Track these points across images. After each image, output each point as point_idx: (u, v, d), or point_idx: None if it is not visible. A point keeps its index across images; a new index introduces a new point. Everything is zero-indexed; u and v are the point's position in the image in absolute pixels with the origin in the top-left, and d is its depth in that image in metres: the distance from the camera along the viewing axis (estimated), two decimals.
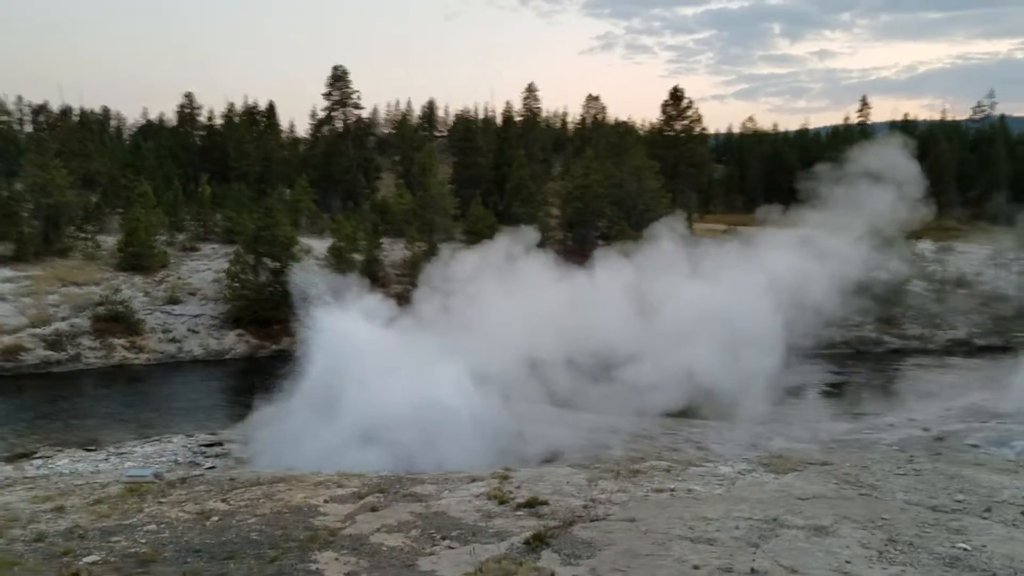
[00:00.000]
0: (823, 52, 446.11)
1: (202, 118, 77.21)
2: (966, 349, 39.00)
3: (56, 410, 27.76)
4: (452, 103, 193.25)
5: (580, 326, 22.20)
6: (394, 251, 45.31)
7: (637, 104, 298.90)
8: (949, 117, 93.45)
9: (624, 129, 69.29)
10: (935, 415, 23.85)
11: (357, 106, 68.72)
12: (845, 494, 13.04)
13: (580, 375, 22.22)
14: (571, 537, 10.99)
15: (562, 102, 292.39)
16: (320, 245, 42.38)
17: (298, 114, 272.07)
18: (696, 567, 9.87)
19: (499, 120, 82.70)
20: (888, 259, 31.67)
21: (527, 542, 10.80)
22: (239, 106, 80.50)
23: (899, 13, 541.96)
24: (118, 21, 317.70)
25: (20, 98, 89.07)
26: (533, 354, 21.37)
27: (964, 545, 10.47)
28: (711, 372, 21.77)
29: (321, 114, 69.89)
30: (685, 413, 22.73)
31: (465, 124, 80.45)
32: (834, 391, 29.38)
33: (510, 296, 22.36)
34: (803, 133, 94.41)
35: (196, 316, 38.28)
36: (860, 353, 38.60)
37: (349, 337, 19.32)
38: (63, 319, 35.44)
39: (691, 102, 65.97)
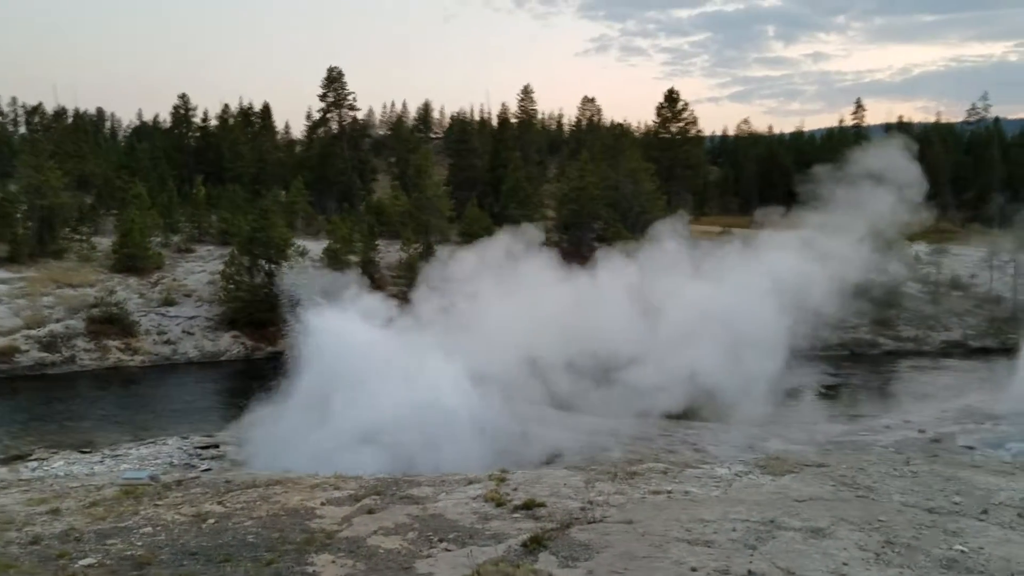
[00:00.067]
0: (817, 54, 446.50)
1: (197, 119, 77.14)
2: (961, 351, 39.13)
3: (51, 412, 27.69)
4: (448, 105, 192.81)
5: (581, 327, 22.13)
6: (390, 253, 45.27)
7: (632, 106, 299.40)
8: (943, 119, 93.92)
9: (620, 131, 69.36)
10: (931, 417, 23.91)
11: (352, 107, 68.68)
12: (842, 496, 13.04)
13: (580, 376, 22.18)
14: (568, 539, 10.96)
15: (557, 104, 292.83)
16: (315, 247, 42.31)
17: (293, 115, 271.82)
18: (694, 569, 9.85)
19: (495, 122, 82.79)
20: (888, 261, 31.73)
21: (524, 544, 10.77)
22: (234, 107, 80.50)
23: (893, 16, 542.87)
24: (113, 22, 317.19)
25: (14, 99, 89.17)
26: (533, 355, 21.29)
27: (961, 547, 10.47)
28: (713, 374, 21.76)
29: (316, 115, 69.89)
30: (684, 415, 22.74)
31: (461, 126, 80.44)
32: (830, 393, 29.45)
33: (511, 296, 22.27)
34: (798, 135, 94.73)
35: (191, 318, 38.20)
36: (855, 355, 38.70)
37: (345, 338, 19.26)
38: (58, 321, 35.34)
39: (686, 104, 66.33)
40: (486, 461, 16.92)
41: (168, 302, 38.73)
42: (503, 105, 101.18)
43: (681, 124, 66.43)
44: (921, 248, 44.87)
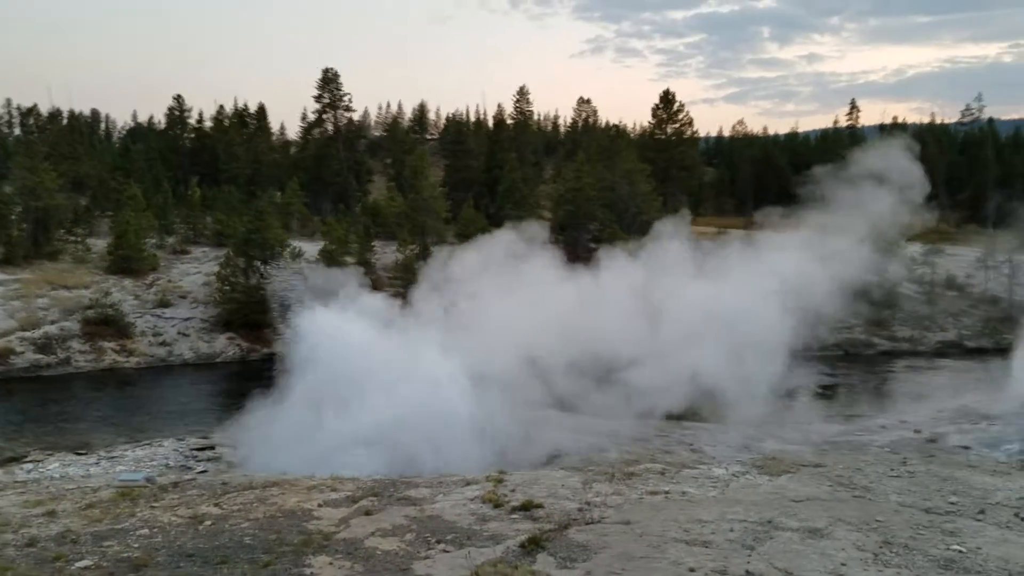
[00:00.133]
0: (812, 56, 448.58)
1: (192, 120, 77.00)
2: (956, 351, 39.20)
3: (46, 414, 27.59)
4: (443, 106, 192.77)
5: (583, 326, 22.02)
6: (386, 254, 45.25)
7: (627, 107, 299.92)
8: (938, 120, 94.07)
9: (616, 132, 69.42)
10: (926, 417, 23.91)
11: (348, 108, 68.55)
12: (839, 496, 13.06)
13: (582, 377, 22.10)
14: (566, 540, 10.97)
15: (553, 105, 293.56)
16: (311, 248, 42.26)
17: (288, 117, 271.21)
18: (692, 570, 9.86)
19: (491, 123, 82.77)
20: (888, 262, 31.71)
21: (522, 545, 10.77)
22: (229, 108, 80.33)
23: (887, 17, 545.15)
24: (107, 24, 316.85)
25: (9, 101, 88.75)
26: (533, 354, 21.17)
27: (959, 547, 10.49)
28: (715, 375, 21.72)
29: (312, 116, 69.75)
30: (681, 416, 22.70)
31: (457, 127, 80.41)
32: (825, 393, 29.43)
33: (512, 295, 22.13)
34: (793, 136, 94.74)
35: (186, 319, 38.12)
36: (850, 355, 38.75)
37: (343, 338, 19.16)
38: (53, 322, 35.25)
39: (682, 105, 66.31)
40: (485, 462, 16.89)
41: (163, 304, 38.63)
42: (499, 106, 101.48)
43: (677, 125, 66.41)
44: (916, 248, 44.94)
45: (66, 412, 27.97)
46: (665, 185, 59.70)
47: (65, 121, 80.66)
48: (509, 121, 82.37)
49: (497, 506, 12.62)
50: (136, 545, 11.15)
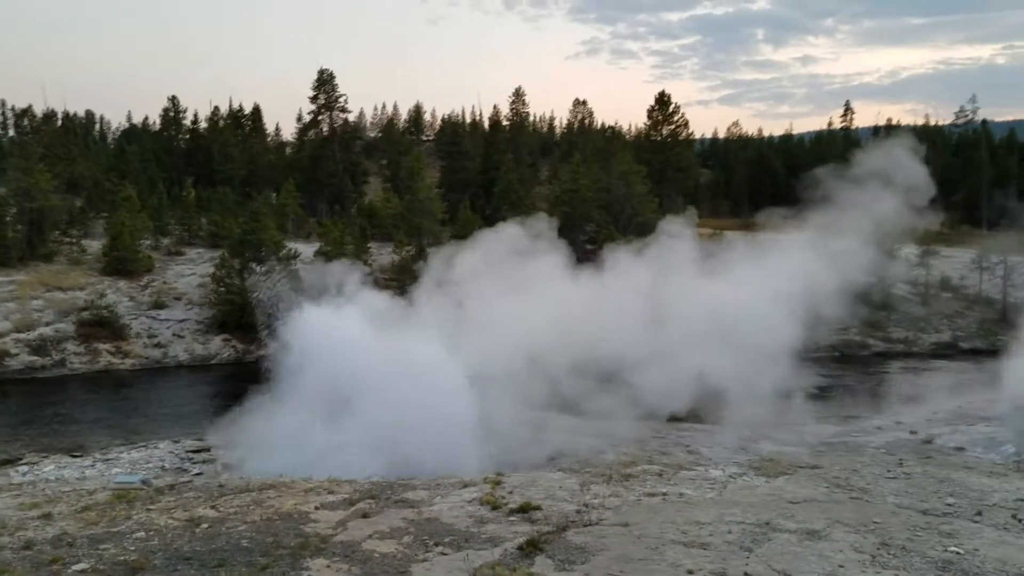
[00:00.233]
0: (806, 58, 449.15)
1: (187, 121, 76.91)
2: (951, 352, 39.32)
3: (41, 416, 27.52)
4: (439, 107, 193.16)
5: (586, 326, 21.92)
6: (382, 255, 45.22)
7: (623, 109, 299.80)
8: (932, 122, 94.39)
9: (611, 134, 69.51)
10: (922, 418, 23.98)
11: (343, 110, 68.66)
12: (836, 498, 13.07)
13: (583, 377, 22.02)
14: (565, 542, 10.95)
15: (549, 106, 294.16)
16: (307, 249, 42.21)
17: (284, 118, 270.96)
18: (690, 572, 9.85)
19: (486, 124, 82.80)
20: (889, 264, 31.70)
21: (521, 548, 10.75)
22: (224, 109, 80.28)
23: (882, 19, 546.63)
24: (102, 25, 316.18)
25: (3, 102, 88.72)
26: (535, 354, 21.06)
27: (956, 549, 10.50)
28: (720, 377, 21.70)
29: (307, 117, 69.75)
30: (683, 417, 22.68)
31: (452, 128, 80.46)
32: (820, 394, 29.46)
33: (515, 292, 22.00)
34: (787, 138, 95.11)
35: (181, 321, 38.06)
36: (845, 356, 38.84)
37: (340, 337, 19.07)
38: (48, 324, 35.17)
39: (677, 107, 66.53)
40: (483, 463, 16.85)
41: (158, 305, 38.58)
42: (495, 107, 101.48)
43: (672, 127, 66.65)
44: (911, 250, 45.07)
45: (61, 414, 27.90)
46: (661, 186, 59.83)
47: (60, 122, 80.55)
48: (505, 122, 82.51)
49: (495, 508, 12.60)
50: (132, 548, 11.10)
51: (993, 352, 33.93)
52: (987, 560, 10.16)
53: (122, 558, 10.71)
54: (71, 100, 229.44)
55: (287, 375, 18.99)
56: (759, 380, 21.96)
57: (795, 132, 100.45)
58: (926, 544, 10.72)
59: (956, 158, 72.78)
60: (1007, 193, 51.64)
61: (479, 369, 19.49)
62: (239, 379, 30.55)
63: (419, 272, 26.88)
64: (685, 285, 23.47)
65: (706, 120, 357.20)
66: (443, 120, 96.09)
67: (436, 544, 11.08)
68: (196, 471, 18.78)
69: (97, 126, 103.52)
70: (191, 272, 42.69)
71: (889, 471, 14.96)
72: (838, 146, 72.69)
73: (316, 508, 12.88)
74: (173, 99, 75.58)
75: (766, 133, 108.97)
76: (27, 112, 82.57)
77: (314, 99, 67.21)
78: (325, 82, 66.90)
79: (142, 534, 11.71)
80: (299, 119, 72.88)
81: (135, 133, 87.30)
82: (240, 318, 37.07)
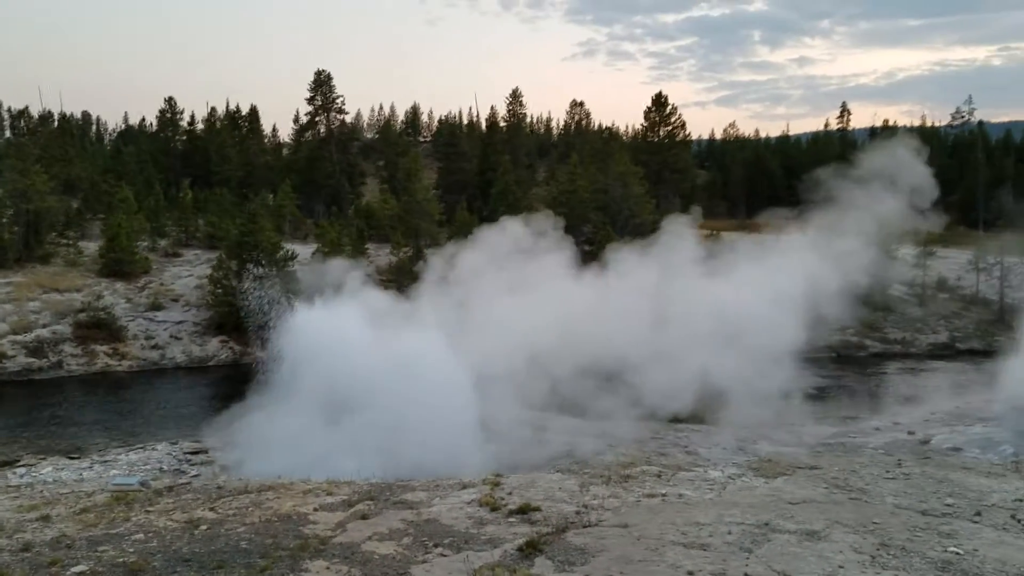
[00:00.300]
0: (803, 59, 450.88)
1: (183, 123, 76.86)
2: (948, 353, 39.37)
3: (39, 418, 27.47)
4: (436, 108, 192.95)
5: (589, 327, 21.87)
6: (379, 256, 45.19)
7: (620, 110, 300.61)
8: (928, 123, 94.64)
9: (609, 135, 69.58)
10: (920, 419, 24.01)
11: (341, 111, 68.67)
12: (835, 498, 13.08)
13: (585, 378, 22.00)
14: (564, 543, 10.94)
15: (546, 107, 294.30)
16: (304, 250, 42.17)
17: (281, 119, 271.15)
18: (690, 573, 9.85)
19: (484, 125, 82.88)
20: (891, 265, 31.67)
21: (520, 549, 10.74)
22: (221, 110, 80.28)
23: (878, 20, 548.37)
24: (98, 26, 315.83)
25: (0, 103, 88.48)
26: (536, 355, 21.02)
27: (956, 549, 10.51)
28: (723, 377, 21.68)
29: (304, 119, 69.72)
30: (681, 418, 22.66)
31: (449, 129, 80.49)
32: (818, 395, 29.51)
33: (517, 292, 21.94)
34: (784, 139, 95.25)
35: (179, 322, 38.00)
36: (842, 357, 38.86)
37: (339, 336, 19.02)
38: (44, 326, 35.10)
39: (674, 108, 66.57)
40: (482, 464, 16.82)
41: (155, 307, 38.51)
42: (492, 108, 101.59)
43: (669, 128, 66.70)
44: (908, 250, 45.15)
45: (58, 416, 27.84)
46: (658, 188, 59.87)
47: (56, 123, 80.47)
48: (502, 123, 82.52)
49: (494, 509, 12.59)
50: (131, 550, 11.08)
51: (990, 353, 34.03)
52: (987, 560, 10.17)
53: (121, 560, 10.69)
54: (67, 101, 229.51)
55: (283, 379, 18.96)
56: (761, 381, 21.98)
57: (792, 133, 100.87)
58: (926, 544, 10.73)
59: (952, 159, 72.96)
60: (1005, 193, 51.67)
61: (480, 369, 19.46)
62: (236, 380, 30.48)
63: (418, 272, 26.76)
64: (688, 285, 23.45)
65: (703, 121, 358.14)
66: (440, 121, 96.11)
67: (435, 545, 11.07)
68: (194, 473, 18.75)
69: (94, 127, 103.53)
70: (188, 274, 42.63)
71: (888, 472, 14.97)
72: (835, 147, 72.93)
73: (315, 510, 12.86)
74: (170, 100, 75.65)
75: (763, 134, 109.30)
76: (23, 113, 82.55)
77: (311, 100, 67.21)
78: (322, 83, 66.91)
79: (141, 536, 11.68)
80: (296, 120, 72.92)
81: (132, 134, 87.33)
82: (238, 320, 36.84)
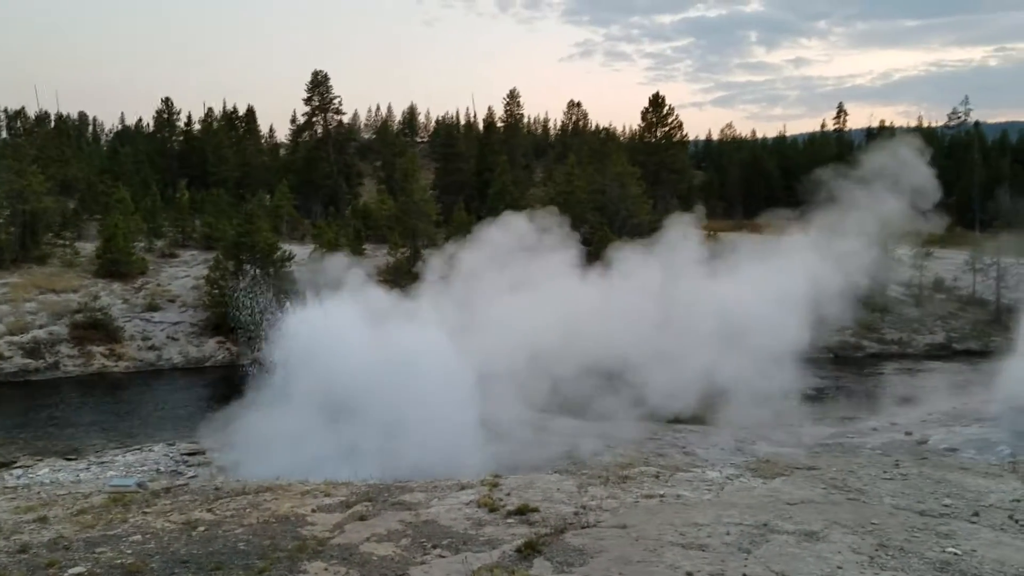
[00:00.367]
0: (799, 60, 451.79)
1: (180, 123, 76.77)
2: (945, 353, 39.41)
3: (35, 419, 27.42)
4: (433, 108, 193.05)
5: (589, 326, 21.81)
6: (377, 257, 45.16)
7: (617, 111, 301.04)
8: (924, 124, 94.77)
9: (606, 135, 69.61)
10: (917, 419, 24.03)
11: (338, 111, 68.59)
12: (833, 499, 13.08)
13: (586, 378, 21.94)
14: (563, 544, 10.93)
15: (543, 108, 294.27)
16: (302, 251, 42.13)
17: (278, 119, 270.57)
18: (689, 573, 9.85)
19: (481, 126, 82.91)
20: (886, 265, 31.68)
21: (519, 550, 10.73)
22: (218, 111, 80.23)
23: (875, 21, 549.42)
24: (95, 26, 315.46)
25: None
26: (537, 355, 20.95)
27: (954, 550, 10.51)
28: (726, 378, 21.65)
29: (301, 119, 69.69)
30: (686, 419, 22.63)
31: (447, 130, 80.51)
32: (816, 395, 29.54)
33: (519, 291, 21.85)
34: (780, 140, 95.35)
35: (176, 323, 37.95)
36: (839, 358, 38.88)
37: (336, 336, 18.95)
38: (41, 327, 35.05)
39: (671, 108, 66.58)
40: (481, 465, 16.78)
41: (152, 307, 38.46)
42: (489, 109, 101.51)
43: (666, 128, 66.72)
44: (904, 251, 45.21)
45: (55, 417, 27.80)
46: (655, 188, 59.86)
47: (53, 124, 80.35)
48: (499, 124, 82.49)
49: (493, 510, 12.57)
50: (129, 551, 11.05)
51: (987, 353, 34.12)
52: (985, 561, 10.18)
53: (119, 561, 10.67)
54: (64, 101, 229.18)
55: (280, 380, 18.90)
56: (762, 381, 21.97)
57: (788, 134, 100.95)
58: (924, 545, 10.73)
59: (949, 160, 73.04)
60: (1002, 193, 51.76)
61: (481, 367, 19.41)
62: (233, 381, 30.46)
63: (417, 272, 26.69)
64: (690, 285, 23.43)
65: (700, 122, 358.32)
66: (437, 122, 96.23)
67: (434, 546, 11.05)
68: (191, 474, 18.73)
69: (90, 128, 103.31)
70: (185, 274, 42.58)
71: (885, 472, 14.98)
72: (831, 148, 72.99)
73: (313, 511, 12.84)
74: (167, 100, 75.59)
75: (759, 135, 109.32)
76: (20, 114, 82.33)
77: (308, 101, 67.16)
78: (319, 84, 66.87)
79: (138, 537, 11.66)
80: (293, 121, 72.87)
81: (128, 135, 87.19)
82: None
